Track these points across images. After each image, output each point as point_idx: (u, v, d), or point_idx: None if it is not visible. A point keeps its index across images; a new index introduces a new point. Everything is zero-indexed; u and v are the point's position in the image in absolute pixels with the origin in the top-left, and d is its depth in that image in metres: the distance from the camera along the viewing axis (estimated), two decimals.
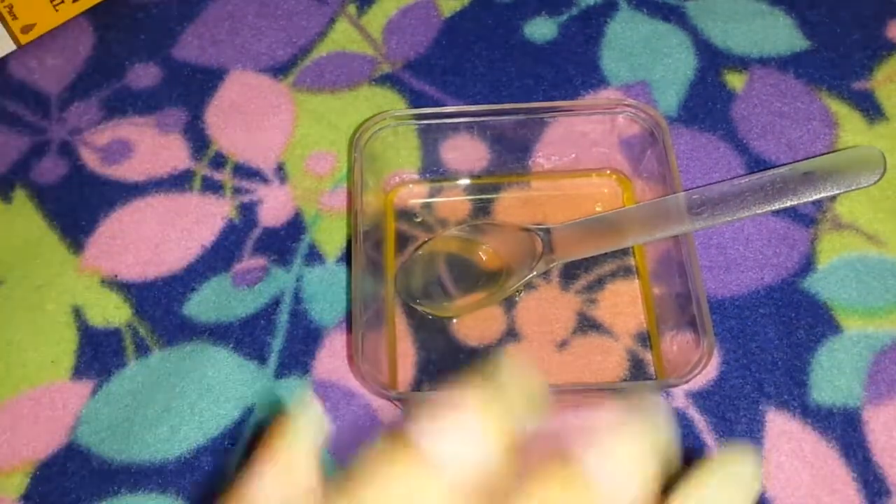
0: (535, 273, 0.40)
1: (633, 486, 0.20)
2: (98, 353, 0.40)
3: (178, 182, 0.45)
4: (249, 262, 0.42)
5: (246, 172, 0.45)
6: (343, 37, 0.49)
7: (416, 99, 0.47)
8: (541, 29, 0.49)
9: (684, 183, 0.43)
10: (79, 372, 0.40)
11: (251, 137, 0.46)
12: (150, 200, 0.44)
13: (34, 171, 0.45)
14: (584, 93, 0.47)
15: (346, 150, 0.45)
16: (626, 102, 0.41)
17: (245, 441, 0.38)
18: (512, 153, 0.43)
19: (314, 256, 0.42)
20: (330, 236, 0.43)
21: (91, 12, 0.50)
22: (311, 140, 0.46)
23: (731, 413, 0.38)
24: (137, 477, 0.37)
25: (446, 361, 0.39)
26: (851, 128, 0.45)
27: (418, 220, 0.43)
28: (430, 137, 0.42)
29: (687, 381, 0.35)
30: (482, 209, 0.43)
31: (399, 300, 0.41)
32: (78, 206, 0.44)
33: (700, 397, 0.39)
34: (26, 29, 0.47)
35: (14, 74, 0.48)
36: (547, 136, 0.43)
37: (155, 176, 0.45)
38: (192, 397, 0.39)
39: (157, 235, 0.43)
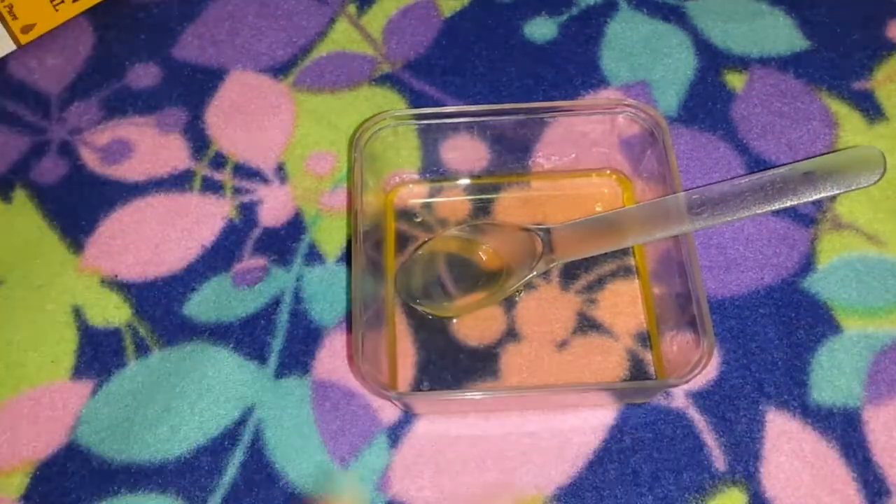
0: (535, 273, 0.40)
1: None
2: (98, 353, 0.40)
3: (178, 182, 0.45)
4: (249, 262, 0.42)
5: (246, 172, 0.45)
6: (343, 37, 0.49)
7: (416, 99, 0.47)
8: (541, 29, 0.49)
9: (684, 183, 0.43)
10: (79, 372, 0.40)
11: (251, 137, 0.46)
12: (150, 200, 0.44)
13: (34, 171, 0.45)
14: (584, 93, 0.47)
15: (346, 150, 0.45)
16: (626, 102, 0.41)
17: (245, 441, 0.38)
18: (512, 153, 0.43)
19: (314, 256, 0.42)
20: (330, 236, 0.43)
21: (91, 12, 0.50)
22: (311, 140, 0.46)
23: (731, 413, 0.38)
24: (137, 477, 0.37)
25: (446, 361, 0.39)
26: (851, 128, 0.45)
27: (418, 220, 0.43)
28: (430, 137, 0.42)
29: (687, 381, 0.35)
30: (482, 209, 0.43)
31: (399, 300, 0.41)
32: (78, 206, 0.44)
33: (700, 397, 0.39)
34: (26, 29, 0.47)
35: (14, 74, 0.48)
36: (547, 136, 0.43)
37: (155, 176, 0.45)
38: (192, 397, 0.39)
39: (157, 235, 0.43)
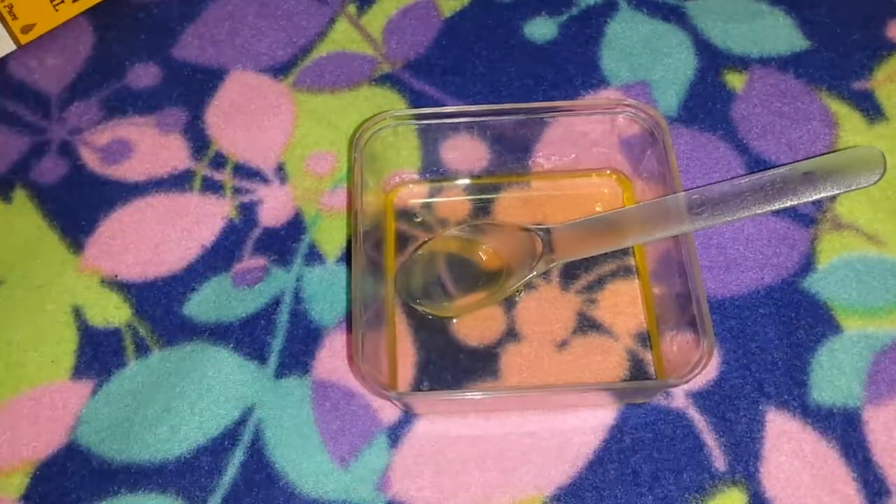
0: (535, 273, 0.40)
1: None
2: (98, 353, 0.40)
3: (178, 182, 0.45)
4: (249, 262, 0.42)
5: (246, 172, 0.45)
6: (343, 37, 0.49)
7: (416, 99, 0.47)
8: (541, 29, 0.49)
9: (684, 183, 0.43)
10: (79, 372, 0.40)
11: (251, 137, 0.46)
12: (150, 200, 0.44)
13: (34, 171, 0.45)
14: (584, 93, 0.47)
15: (346, 150, 0.45)
16: (626, 102, 0.41)
17: (245, 441, 0.38)
18: (512, 153, 0.43)
19: (314, 256, 0.42)
20: (330, 236, 0.43)
21: (91, 12, 0.50)
22: (311, 140, 0.46)
23: (731, 413, 0.38)
24: (137, 477, 0.37)
25: (446, 361, 0.39)
26: (851, 128, 0.45)
27: (418, 220, 0.43)
28: (430, 137, 0.42)
29: (687, 381, 0.35)
30: (482, 209, 0.43)
31: (399, 300, 0.41)
32: (78, 206, 0.44)
33: (700, 397, 0.39)
34: (26, 29, 0.47)
35: (14, 74, 0.48)
36: (547, 136, 0.43)
37: (155, 176, 0.45)
38: (192, 397, 0.39)
39: (157, 235, 0.43)
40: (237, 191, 0.44)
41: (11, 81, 0.48)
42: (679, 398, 0.39)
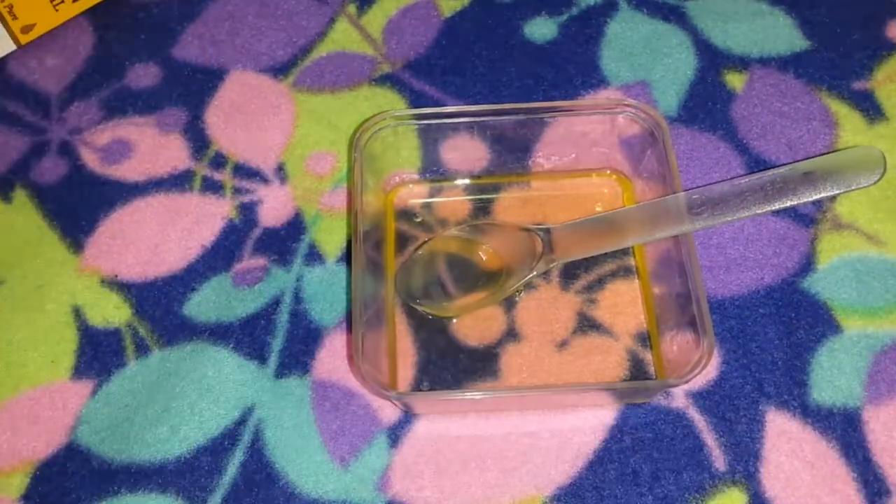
0: (535, 273, 0.40)
1: None
2: (98, 353, 0.40)
3: (178, 182, 0.45)
4: (249, 262, 0.42)
5: (246, 172, 0.45)
6: (343, 37, 0.49)
7: (416, 99, 0.47)
8: (541, 29, 0.49)
9: (684, 183, 0.43)
10: (79, 372, 0.40)
11: (251, 137, 0.46)
12: (150, 200, 0.44)
13: (34, 171, 0.45)
14: (584, 93, 0.47)
15: (346, 150, 0.45)
16: (626, 102, 0.41)
17: (245, 441, 0.38)
18: (512, 153, 0.43)
19: (314, 256, 0.42)
20: (330, 236, 0.43)
21: (91, 12, 0.50)
22: (311, 140, 0.46)
23: (731, 413, 0.38)
24: (137, 477, 0.37)
25: (446, 361, 0.39)
26: (851, 128, 0.45)
27: (418, 220, 0.43)
28: (430, 137, 0.42)
29: (687, 381, 0.35)
30: (482, 209, 0.43)
31: (399, 300, 0.41)
32: (78, 206, 0.44)
33: (700, 397, 0.39)
34: (26, 29, 0.47)
35: (14, 74, 0.48)
36: (547, 136, 0.43)
37: (155, 176, 0.45)
38: (192, 397, 0.39)
39: (157, 235, 0.43)
40: (237, 191, 0.44)
41: (11, 81, 0.48)
42: (679, 398, 0.39)
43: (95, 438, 0.38)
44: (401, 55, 0.48)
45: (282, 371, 0.39)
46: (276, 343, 0.40)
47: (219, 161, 0.45)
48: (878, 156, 0.37)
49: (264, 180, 0.44)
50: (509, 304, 0.41)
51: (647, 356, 0.39)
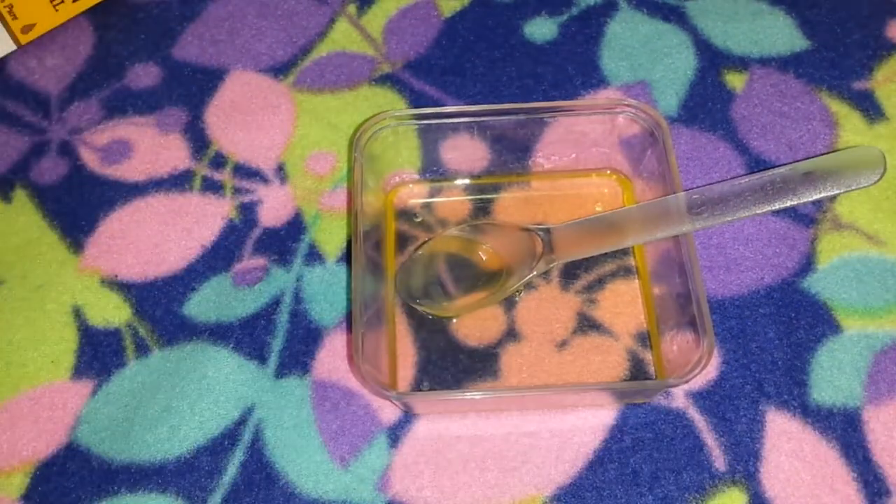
0: (535, 273, 0.40)
1: None
2: (98, 353, 0.40)
3: (178, 182, 0.45)
4: (249, 262, 0.42)
5: (246, 172, 0.45)
6: (343, 37, 0.49)
7: (416, 99, 0.47)
8: (541, 29, 0.49)
9: (684, 183, 0.43)
10: (79, 372, 0.40)
11: (251, 137, 0.46)
12: (150, 200, 0.44)
13: (34, 171, 0.45)
14: (584, 93, 0.47)
15: (346, 150, 0.45)
16: (626, 102, 0.41)
17: (245, 441, 0.38)
18: (512, 153, 0.43)
19: (314, 256, 0.42)
20: (330, 236, 0.43)
21: (91, 12, 0.50)
22: (311, 140, 0.46)
23: (731, 413, 0.38)
24: (137, 477, 0.37)
25: (446, 361, 0.39)
26: (851, 128, 0.45)
27: (418, 220, 0.43)
28: (430, 137, 0.42)
29: (687, 381, 0.35)
30: (482, 209, 0.43)
31: (399, 300, 0.41)
32: (78, 206, 0.44)
33: (700, 397, 0.39)
34: (26, 29, 0.47)
35: (14, 74, 0.48)
36: (547, 136, 0.43)
37: (155, 176, 0.45)
38: (192, 397, 0.39)
39: (157, 235, 0.43)
40: (237, 191, 0.44)
41: (11, 81, 0.48)
42: (679, 398, 0.39)
43: (95, 438, 0.38)
44: (401, 55, 0.48)
45: (282, 371, 0.39)
46: (276, 343, 0.40)
47: (219, 161, 0.45)
48: (878, 156, 0.37)
49: (264, 180, 0.44)
50: (509, 304, 0.41)
51: (647, 356, 0.39)
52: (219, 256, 0.42)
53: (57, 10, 0.48)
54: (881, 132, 0.45)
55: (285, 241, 0.43)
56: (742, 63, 0.47)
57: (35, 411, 0.39)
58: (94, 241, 0.43)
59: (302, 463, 0.38)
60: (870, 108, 0.46)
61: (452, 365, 0.39)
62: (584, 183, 0.44)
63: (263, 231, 0.43)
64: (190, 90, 0.47)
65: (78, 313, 0.41)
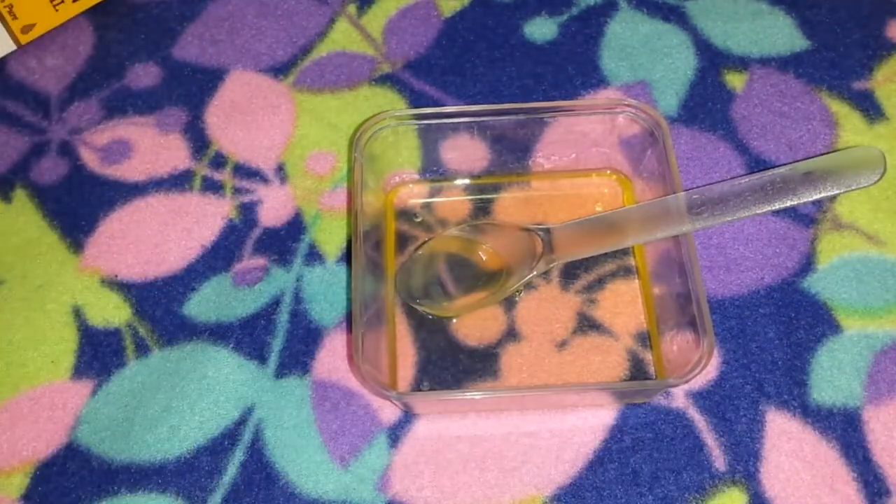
0: (535, 273, 0.40)
1: None
2: (98, 353, 0.40)
3: (178, 182, 0.45)
4: (249, 262, 0.42)
5: (246, 172, 0.45)
6: (343, 37, 0.49)
7: (416, 99, 0.47)
8: (541, 29, 0.49)
9: (684, 183, 0.43)
10: (79, 372, 0.40)
11: (251, 137, 0.46)
12: (150, 200, 0.44)
13: (34, 171, 0.45)
14: (584, 93, 0.47)
15: (346, 150, 0.45)
16: (626, 102, 0.41)
17: (245, 441, 0.38)
18: (512, 153, 0.43)
19: (314, 256, 0.42)
20: (330, 236, 0.43)
21: (91, 12, 0.50)
22: (311, 140, 0.46)
23: (731, 413, 0.38)
24: (137, 477, 0.37)
25: (446, 361, 0.39)
26: (851, 128, 0.45)
27: (418, 220, 0.43)
28: (430, 137, 0.42)
29: (687, 381, 0.35)
30: (482, 209, 0.43)
31: (399, 300, 0.41)
32: (78, 206, 0.44)
33: (700, 397, 0.39)
34: (26, 29, 0.47)
35: (14, 74, 0.48)
36: (547, 136, 0.43)
37: (155, 176, 0.45)
38: (192, 397, 0.39)
39: (157, 235, 0.43)
40: (237, 191, 0.44)
41: (11, 81, 0.48)
42: (679, 398, 0.39)
43: (95, 438, 0.38)
44: (401, 55, 0.48)
45: (282, 371, 0.39)
46: (276, 343, 0.40)
47: (219, 161, 0.45)
48: (878, 156, 0.37)
49: (264, 180, 0.44)
50: (509, 304, 0.41)
51: (647, 356, 0.39)
52: (219, 256, 0.42)
53: (57, 10, 0.48)
54: (881, 132, 0.45)
55: (285, 241, 0.43)
56: (742, 63, 0.47)
57: (35, 411, 0.39)
58: (94, 241, 0.43)
59: (302, 463, 0.38)
60: (870, 108, 0.46)
61: (452, 365, 0.39)
62: (584, 183, 0.44)
63: (263, 231, 0.43)
64: (190, 90, 0.47)
65: (78, 313, 0.41)
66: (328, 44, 0.49)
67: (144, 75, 0.48)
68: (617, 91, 0.46)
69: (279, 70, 0.48)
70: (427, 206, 0.43)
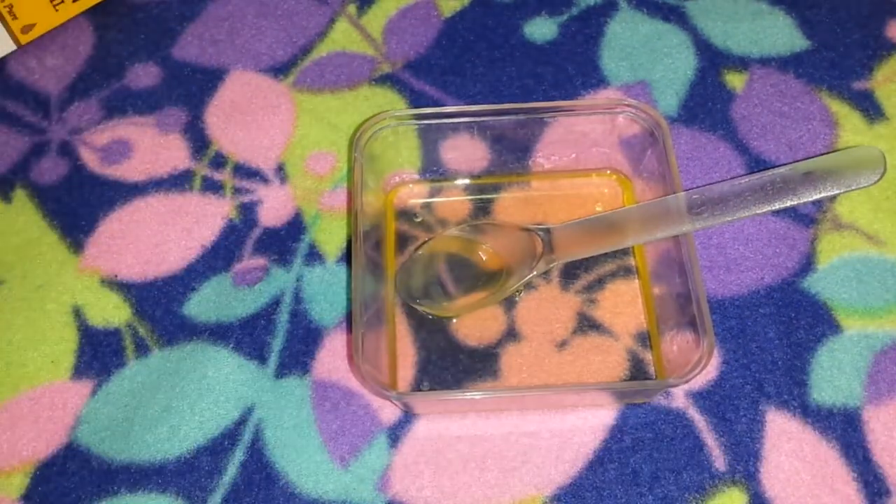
0: (535, 273, 0.40)
1: None
2: (98, 353, 0.40)
3: (178, 182, 0.45)
4: (249, 262, 0.42)
5: (246, 172, 0.45)
6: (343, 37, 0.49)
7: (416, 99, 0.47)
8: (541, 29, 0.49)
9: (684, 183, 0.43)
10: (79, 372, 0.40)
11: (251, 137, 0.46)
12: (150, 200, 0.44)
13: (34, 171, 0.45)
14: (584, 93, 0.47)
15: (346, 150, 0.45)
16: (626, 102, 0.41)
17: (245, 441, 0.38)
18: (512, 153, 0.43)
19: (314, 256, 0.42)
20: (330, 236, 0.43)
21: (91, 12, 0.50)
22: (311, 140, 0.46)
23: (731, 413, 0.38)
24: (137, 477, 0.37)
25: (446, 361, 0.39)
26: (851, 128, 0.45)
27: (418, 220, 0.43)
28: (430, 137, 0.42)
29: (687, 381, 0.35)
30: (482, 209, 0.43)
31: (399, 300, 0.41)
32: (78, 206, 0.44)
33: (700, 397, 0.39)
34: (26, 29, 0.47)
35: (14, 74, 0.48)
36: (547, 136, 0.43)
37: (155, 176, 0.45)
38: (192, 397, 0.39)
39: (157, 235, 0.43)
40: (237, 191, 0.44)
41: (11, 81, 0.48)
42: (679, 398, 0.39)
43: (95, 438, 0.38)
44: (401, 55, 0.48)
45: (282, 371, 0.39)
46: (276, 343, 0.40)
47: (219, 161, 0.45)
48: (878, 156, 0.37)
49: (264, 180, 0.44)
50: (509, 304, 0.41)
51: (647, 356, 0.39)
52: (219, 256, 0.42)
53: (57, 10, 0.48)
54: (881, 132, 0.45)
55: (285, 241, 0.43)
56: (742, 63, 0.47)
57: (35, 411, 0.39)
58: (94, 241, 0.43)
59: (302, 463, 0.38)
60: (870, 108, 0.46)
61: (452, 365, 0.39)
62: (584, 183, 0.44)
63: (263, 231, 0.43)
64: (190, 90, 0.47)
65: (78, 313, 0.41)
66: (328, 44, 0.49)
67: (144, 75, 0.48)
68: (617, 91, 0.46)
69: (279, 70, 0.48)
70: (427, 206, 0.43)
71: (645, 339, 0.40)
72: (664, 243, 0.39)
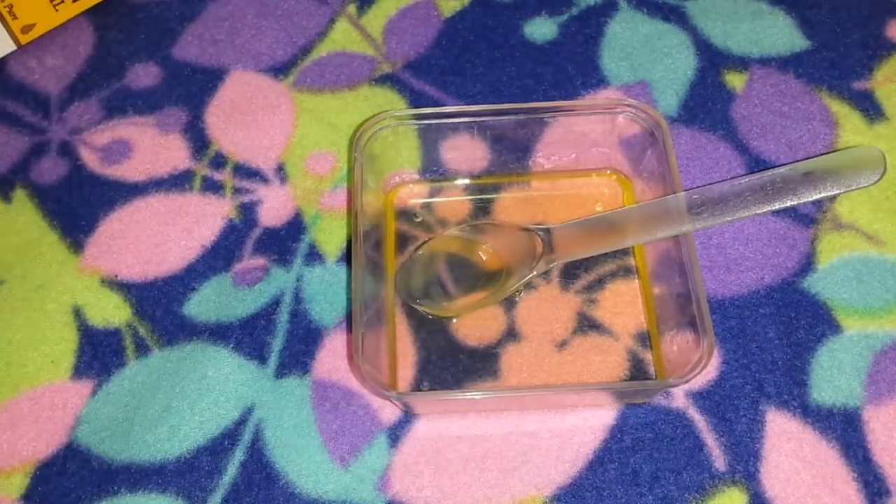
0: (535, 273, 0.40)
1: None
2: (98, 353, 0.40)
3: (178, 182, 0.45)
4: (249, 262, 0.42)
5: (246, 172, 0.45)
6: (343, 37, 0.49)
7: (416, 99, 0.47)
8: (541, 29, 0.49)
9: (684, 183, 0.43)
10: (79, 372, 0.40)
11: (251, 137, 0.46)
12: (150, 200, 0.44)
13: (34, 171, 0.45)
14: (584, 93, 0.47)
15: (346, 150, 0.45)
16: (626, 102, 0.41)
17: (245, 441, 0.38)
18: (512, 153, 0.43)
19: (314, 256, 0.42)
20: (330, 236, 0.43)
21: (91, 12, 0.50)
22: (311, 140, 0.46)
23: (731, 413, 0.38)
24: (137, 477, 0.37)
25: (446, 361, 0.39)
26: (851, 128, 0.45)
27: (418, 220, 0.43)
28: (430, 137, 0.42)
29: (687, 381, 0.35)
30: (482, 209, 0.43)
31: (399, 300, 0.41)
32: (78, 206, 0.44)
33: (700, 397, 0.39)
34: (26, 29, 0.47)
35: (14, 74, 0.48)
36: (547, 136, 0.43)
37: (155, 176, 0.45)
38: (192, 397, 0.39)
39: (157, 235, 0.43)
40: (237, 191, 0.44)
41: (11, 81, 0.48)
42: (679, 398, 0.39)
43: (95, 438, 0.38)
44: (401, 55, 0.48)
45: (282, 371, 0.39)
46: (276, 343, 0.40)
47: (219, 161, 0.45)
48: (878, 156, 0.37)
49: (264, 180, 0.44)
50: (509, 304, 0.41)
51: (647, 356, 0.39)
52: (219, 256, 0.42)
53: (57, 10, 0.48)
54: (881, 132, 0.45)
55: (285, 241, 0.43)
56: (742, 63, 0.47)
57: (35, 411, 0.39)
58: (94, 241, 0.43)
59: (302, 463, 0.38)
60: (870, 108, 0.46)
61: (452, 365, 0.39)
62: (584, 183, 0.44)
63: (263, 231, 0.43)
64: (190, 90, 0.47)
65: (78, 313, 0.41)
66: (328, 44, 0.49)
67: (144, 75, 0.48)
68: (617, 91, 0.47)
69: (279, 70, 0.48)
70: (427, 206, 0.43)
71: (645, 339, 0.40)
72: (664, 243, 0.39)
